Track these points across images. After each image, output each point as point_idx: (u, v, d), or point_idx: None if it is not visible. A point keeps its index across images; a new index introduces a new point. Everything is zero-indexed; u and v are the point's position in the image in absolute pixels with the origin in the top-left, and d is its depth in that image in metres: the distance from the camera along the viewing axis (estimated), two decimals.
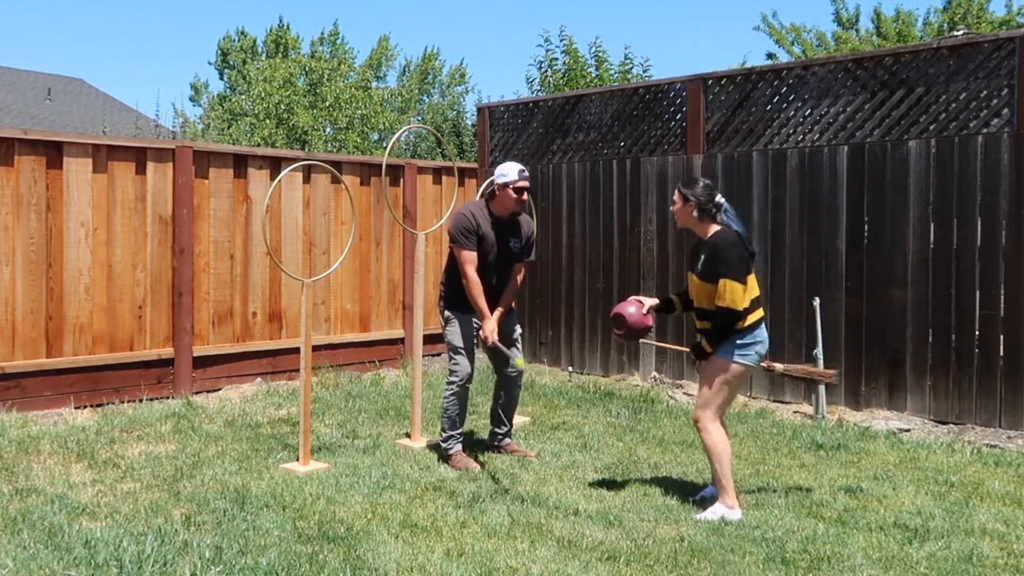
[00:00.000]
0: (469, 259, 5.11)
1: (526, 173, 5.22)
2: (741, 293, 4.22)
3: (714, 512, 4.24)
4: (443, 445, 5.26)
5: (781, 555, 3.77)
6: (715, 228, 4.39)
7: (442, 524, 4.12)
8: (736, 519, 4.19)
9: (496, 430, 5.56)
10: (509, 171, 5.17)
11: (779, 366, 4.62)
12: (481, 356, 6.28)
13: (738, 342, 4.27)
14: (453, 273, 5.29)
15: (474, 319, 5.26)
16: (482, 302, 5.09)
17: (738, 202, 7.24)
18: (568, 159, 8.58)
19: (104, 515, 4.19)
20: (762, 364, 4.47)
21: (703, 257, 4.37)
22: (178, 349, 7.14)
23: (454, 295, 5.27)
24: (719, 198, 4.42)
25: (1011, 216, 5.97)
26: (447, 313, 5.28)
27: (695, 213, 4.41)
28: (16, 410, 6.22)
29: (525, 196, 5.18)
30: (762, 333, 4.35)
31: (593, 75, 15.07)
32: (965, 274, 6.15)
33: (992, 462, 5.26)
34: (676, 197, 4.51)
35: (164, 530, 3.94)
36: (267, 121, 16.89)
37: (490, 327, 5.05)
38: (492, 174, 5.34)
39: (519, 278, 5.40)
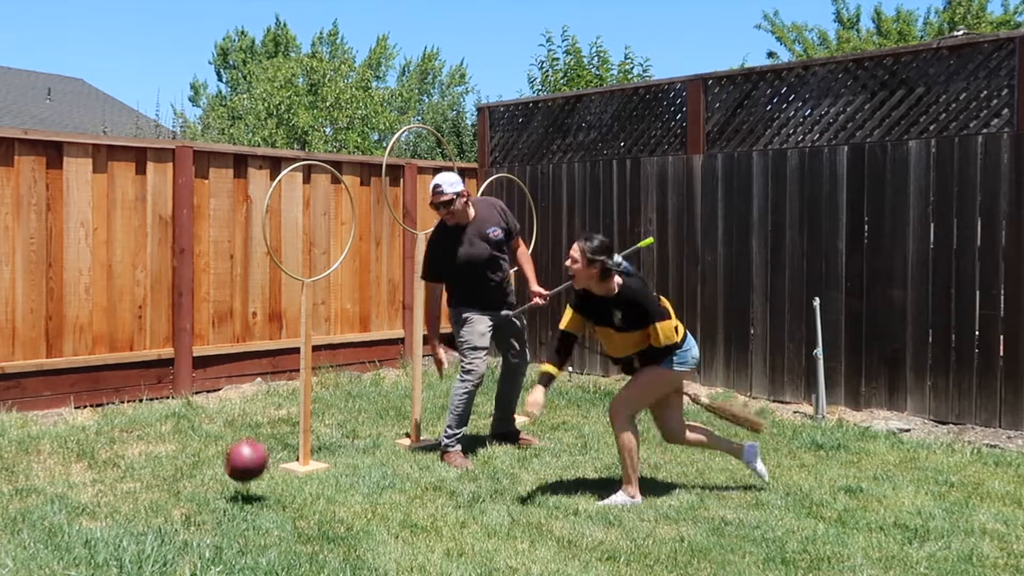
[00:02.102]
0: (427, 285, 5.50)
1: (441, 187, 5.23)
2: (672, 328, 4.42)
3: (616, 498, 4.48)
4: (445, 440, 5.29)
5: (781, 555, 3.77)
6: (617, 281, 4.42)
7: (442, 524, 4.12)
8: (638, 502, 4.45)
9: (502, 417, 5.73)
10: (432, 186, 5.32)
11: (705, 400, 4.85)
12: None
13: (677, 352, 4.48)
14: (458, 277, 5.44)
15: (489, 318, 5.37)
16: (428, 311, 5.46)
17: (738, 202, 7.26)
18: (568, 159, 8.58)
19: (104, 515, 4.19)
20: (687, 392, 4.75)
21: (619, 313, 4.41)
22: (178, 349, 7.15)
23: (466, 295, 5.37)
24: (618, 257, 4.41)
25: (1011, 216, 5.97)
26: (464, 314, 5.34)
27: (599, 275, 4.37)
28: (16, 410, 6.22)
29: (443, 210, 5.27)
30: (691, 341, 4.59)
31: (594, 75, 15.08)
32: (965, 274, 6.15)
33: (992, 462, 5.25)
34: (577, 255, 4.35)
35: (164, 530, 3.94)
36: (267, 121, 16.89)
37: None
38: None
39: (523, 252, 5.62)
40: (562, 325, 4.61)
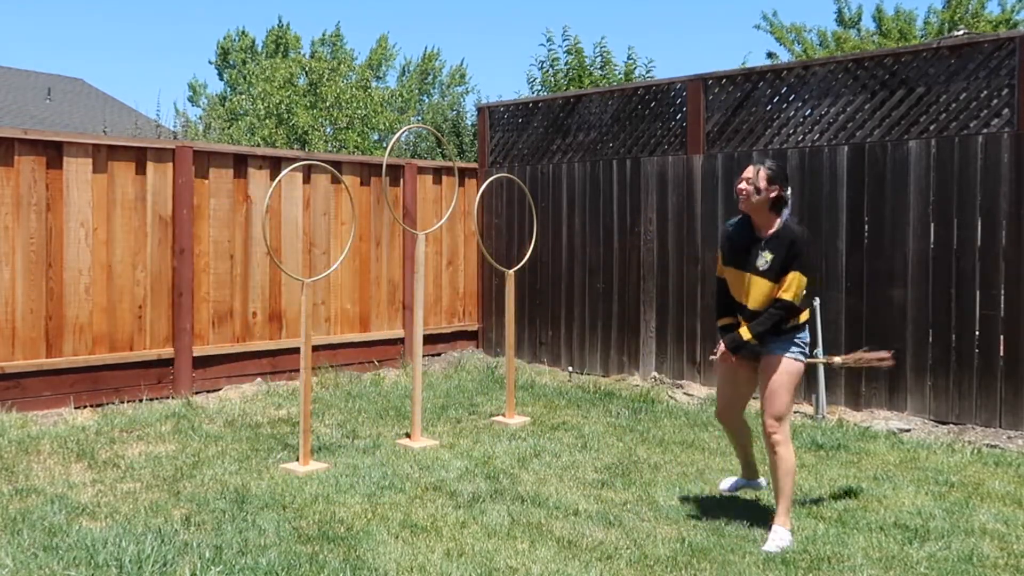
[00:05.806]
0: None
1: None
2: (804, 286, 4.00)
3: (779, 540, 3.88)
4: None
5: (781, 555, 3.77)
6: (778, 221, 4.05)
7: (442, 524, 4.12)
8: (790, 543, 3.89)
9: None
10: None
11: (838, 359, 5.03)
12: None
13: (797, 337, 4.05)
14: None
15: None
16: None
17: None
18: (568, 159, 8.58)
19: (104, 515, 4.19)
20: (820, 358, 4.81)
21: (768, 255, 4.01)
22: (178, 349, 7.14)
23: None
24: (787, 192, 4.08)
25: (1011, 216, 5.97)
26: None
27: (770, 204, 4.00)
28: (16, 410, 6.22)
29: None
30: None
31: (598, 75, 15.07)
32: (965, 274, 6.15)
33: (992, 462, 5.26)
34: (758, 176, 3.99)
35: (164, 530, 3.94)
36: (267, 121, 16.90)
37: None
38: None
39: None
40: (719, 272, 4.29)
